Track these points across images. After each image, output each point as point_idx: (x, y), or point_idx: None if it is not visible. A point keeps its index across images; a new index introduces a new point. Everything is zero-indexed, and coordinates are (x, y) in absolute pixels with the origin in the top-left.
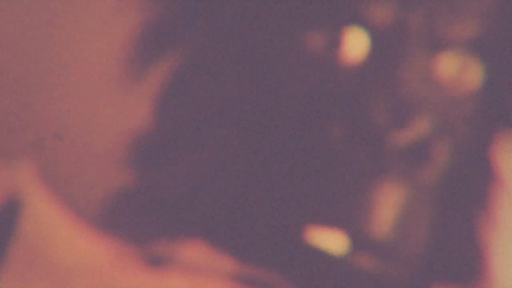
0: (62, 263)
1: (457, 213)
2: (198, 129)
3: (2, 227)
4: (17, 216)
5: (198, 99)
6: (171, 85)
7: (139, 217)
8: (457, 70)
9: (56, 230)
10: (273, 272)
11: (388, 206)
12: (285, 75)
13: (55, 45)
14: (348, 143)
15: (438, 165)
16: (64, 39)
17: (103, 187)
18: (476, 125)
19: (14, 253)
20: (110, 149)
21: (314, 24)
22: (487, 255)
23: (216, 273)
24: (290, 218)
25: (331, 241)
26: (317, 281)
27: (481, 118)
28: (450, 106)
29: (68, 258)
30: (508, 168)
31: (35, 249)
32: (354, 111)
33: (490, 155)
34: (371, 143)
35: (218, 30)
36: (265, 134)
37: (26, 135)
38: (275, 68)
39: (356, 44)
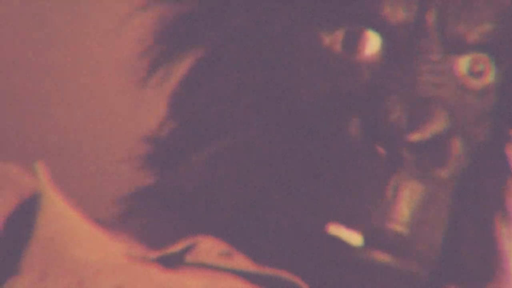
0: (81, 260)
1: (474, 211)
2: (216, 127)
3: (22, 225)
4: (36, 215)
5: (215, 97)
6: (187, 83)
7: (155, 216)
8: (473, 69)
9: (75, 228)
10: (288, 271)
11: (405, 203)
12: (301, 74)
13: (68, 46)
14: (365, 140)
15: (455, 162)
16: (77, 40)
17: (118, 187)
18: (492, 123)
19: (34, 250)
20: (126, 149)
21: (330, 22)
22: (503, 254)
23: (231, 271)
24: (307, 213)
25: (348, 236)
26: (333, 275)
27: (497, 116)
28: (466, 104)
29: (87, 255)
30: None
31: (54, 246)
32: (371, 109)
33: (507, 153)
34: (388, 140)
35: (236, 28)
36: (282, 131)
37: (41, 138)
38: (291, 66)
39: (372, 42)
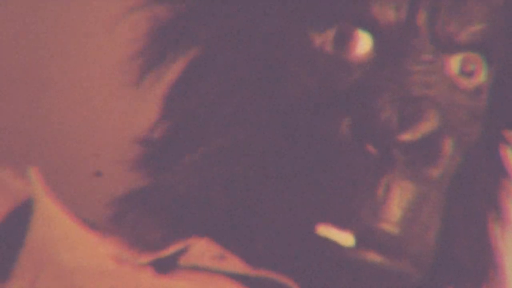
0: (73, 266)
1: (467, 211)
2: (209, 128)
3: (14, 231)
4: (28, 220)
5: (208, 97)
6: (180, 83)
7: (147, 218)
8: (464, 69)
9: (67, 233)
10: (280, 273)
11: (396, 202)
12: (292, 73)
13: (61, 47)
14: (356, 140)
15: (446, 162)
16: (70, 40)
17: (112, 189)
18: (485, 122)
19: (26, 256)
20: (120, 150)
21: (321, 22)
22: (497, 254)
23: (223, 274)
24: (298, 214)
25: (339, 236)
26: (325, 276)
27: (490, 116)
28: (457, 104)
29: (79, 261)
30: None
31: (46, 252)
32: (362, 109)
33: (500, 153)
34: (379, 140)
35: (229, 29)
36: (274, 131)
37: (35, 139)
38: (282, 66)
39: (363, 42)
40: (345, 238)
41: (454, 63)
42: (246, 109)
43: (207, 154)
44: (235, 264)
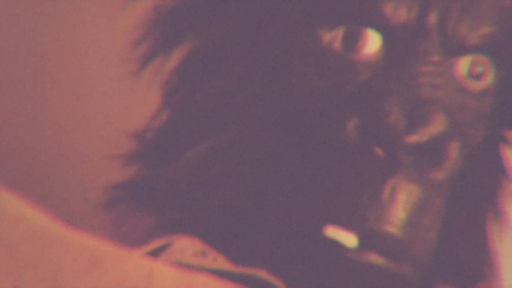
0: (55, 263)
1: (466, 210)
2: (210, 123)
3: None
4: None
5: (210, 92)
6: (180, 74)
7: (139, 211)
8: (472, 71)
9: (42, 230)
10: (277, 272)
11: (401, 205)
12: (299, 70)
13: (58, 39)
14: (363, 142)
15: (451, 164)
16: (67, 32)
17: (106, 181)
18: (489, 125)
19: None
20: (115, 143)
21: (330, 20)
22: (494, 253)
23: (204, 270)
24: (302, 214)
25: (342, 237)
26: (326, 277)
27: (492, 116)
28: (464, 106)
29: (60, 258)
30: None
31: (25, 251)
32: (369, 110)
33: (500, 153)
34: (386, 142)
35: (234, 23)
36: (278, 129)
37: (31, 132)
38: (288, 63)
39: (372, 41)
40: (349, 239)
41: (463, 65)
42: (252, 107)
43: (208, 150)
44: (217, 261)
